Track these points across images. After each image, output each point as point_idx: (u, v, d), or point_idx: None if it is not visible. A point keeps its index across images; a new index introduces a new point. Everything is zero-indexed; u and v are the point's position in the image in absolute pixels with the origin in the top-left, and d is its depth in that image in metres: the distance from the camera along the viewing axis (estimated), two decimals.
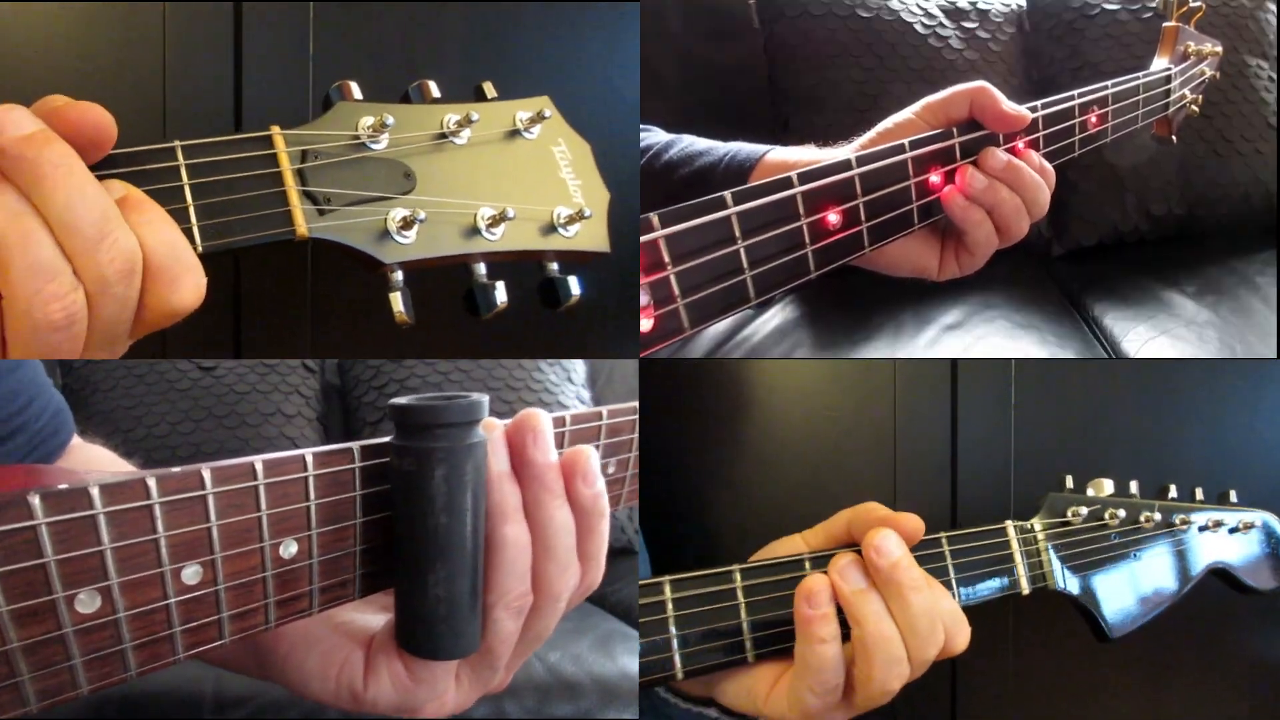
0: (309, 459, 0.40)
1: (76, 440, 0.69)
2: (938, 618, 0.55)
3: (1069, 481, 0.69)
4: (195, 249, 0.49)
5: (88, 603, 0.34)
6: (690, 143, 0.76)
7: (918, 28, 1.25)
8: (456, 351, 1.37)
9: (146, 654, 0.36)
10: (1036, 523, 0.66)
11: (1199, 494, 0.73)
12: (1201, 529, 0.71)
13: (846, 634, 0.55)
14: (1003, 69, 1.28)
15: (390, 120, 0.56)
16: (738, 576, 0.56)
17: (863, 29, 1.23)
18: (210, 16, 0.87)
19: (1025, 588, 0.64)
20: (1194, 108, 1.06)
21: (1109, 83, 0.84)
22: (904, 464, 0.96)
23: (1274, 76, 1.30)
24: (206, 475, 0.37)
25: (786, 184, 0.55)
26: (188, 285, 0.47)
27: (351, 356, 1.51)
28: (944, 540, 0.61)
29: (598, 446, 0.54)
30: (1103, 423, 0.98)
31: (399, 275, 0.56)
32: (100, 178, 0.46)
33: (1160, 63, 1.00)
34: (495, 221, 0.58)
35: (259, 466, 0.38)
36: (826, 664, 0.53)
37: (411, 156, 0.57)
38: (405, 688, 0.47)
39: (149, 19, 0.86)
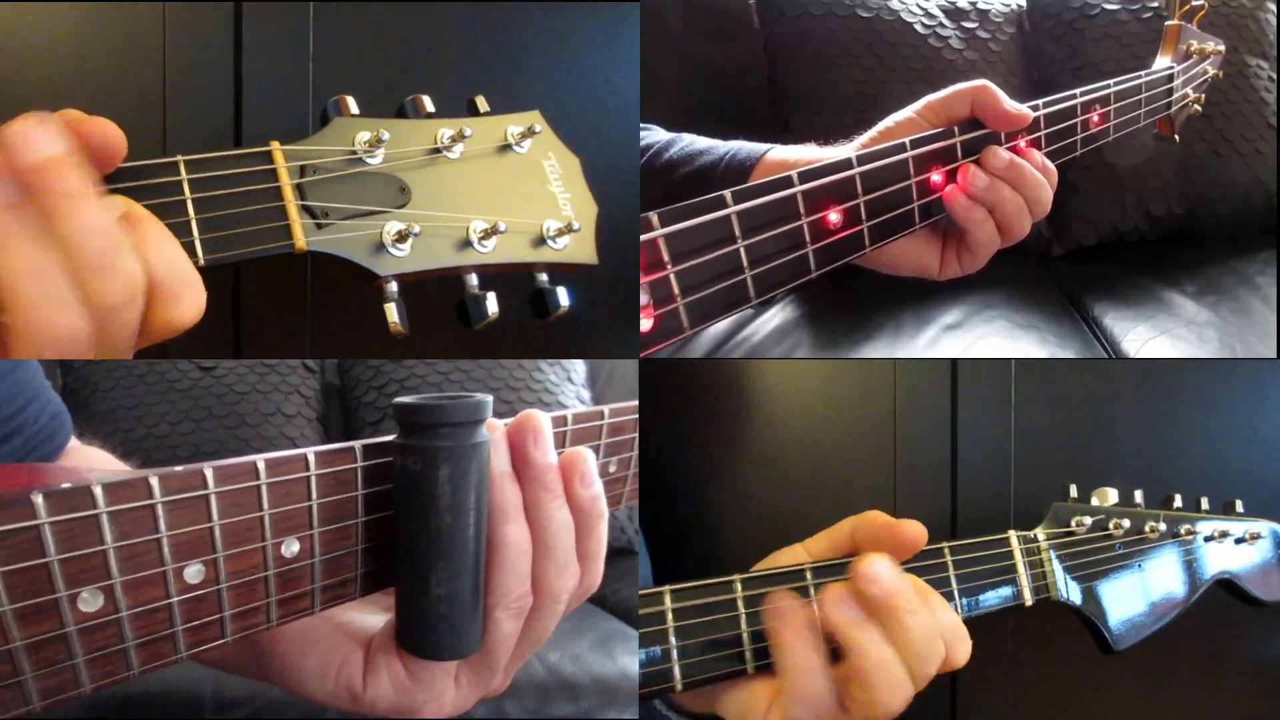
0: (311, 458, 0.40)
1: (74, 443, 0.69)
2: (937, 635, 0.53)
3: (1073, 490, 0.68)
4: (197, 262, 0.50)
5: (90, 601, 0.34)
6: (690, 142, 0.76)
7: (918, 28, 1.25)
8: (457, 352, 1.37)
9: (149, 653, 0.36)
10: (1040, 532, 0.65)
11: (1204, 503, 0.72)
12: (1207, 539, 0.70)
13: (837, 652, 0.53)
14: (1003, 69, 1.29)
15: (386, 135, 0.57)
16: (738, 586, 0.55)
17: (863, 29, 1.23)
18: (210, 16, 0.87)
19: (1029, 598, 0.63)
20: (1196, 107, 1.05)
21: (1111, 82, 0.83)
22: (904, 464, 0.96)
23: (1274, 76, 1.30)
24: (209, 474, 0.37)
25: (787, 183, 0.55)
26: (188, 301, 0.47)
27: (351, 357, 1.51)
28: (946, 550, 0.59)
29: (599, 446, 0.54)
30: (1102, 423, 0.98)
31: (394, 287, 0.57)
32: (103, 192, 0.46)
33: (1162, 61, 0.99)
34: (487, 234, 0.60)
35: (261, 465, 0.38)
36: (818, 691, 0.52)
37: (406, 171, 0.59)
38: (404, 688, 0.47)
39: (149, 19, 0.86)
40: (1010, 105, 0.67)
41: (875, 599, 0.52)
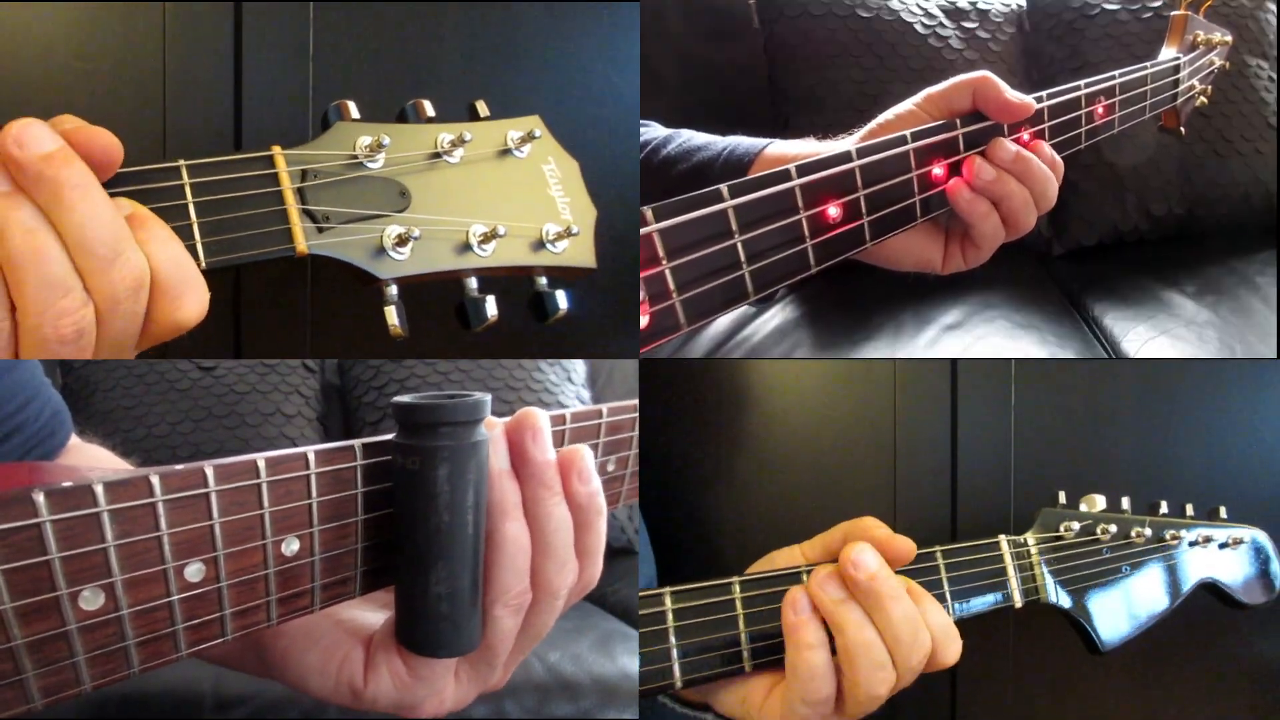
0: (311, 457, 0.40)
1: (75, 440, 0.69)
2: (921, 626, 0.55)
3: (1062, 497, 0.70)
4: (199, 265, 0.50)
5: (91, 600, 0.34)
6: (689, 137, 0.75)
7: (918, 28, 1.25)
8: (456, 351, 1.37)
9: (149, 651, 0.36)
10: (1029, 537, 0.67)
11: (1189, 510, 0.74)
12: (1192, 544, 0.72)
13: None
14: (1003, 69, 1.29)
15: (386, 140, 0.58)
16: (737, 588, 0.57)
17: (863, 29, 1.23)
18: (210, 17, 0.87)
19: (1018, 601, 0.65)
20: (1202, 98, 1.04)
21: (1116, 72, 0.82)
22: (904, 463, 0.96)
23: (1274, 76, 1.30)
24: (209, 473, 0.37)
25: (785, 176, 0.55)
26: (192, 300, 0.48)
27: (351, 356, 1.51)
28: (938, 554, 0.61)
29: (597, 445, 0.54)
30: (1102, 423, 0.98)
31: (394, 290, 0.57)
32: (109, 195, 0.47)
33: (1168, 53, 0.98)
34: (487, 238, 0.60)
35: (261, 464, 0.39)
36: (815, 671, 0.54)
37: (407, 175, 0.59)
38: (405, 685, 0.47)
39: (149, 19, 0.86)
40: (1013, 95, 0.66)
41: (859, 583, 0.54)
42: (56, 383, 1.40)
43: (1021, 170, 0.66)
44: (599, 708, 1.07)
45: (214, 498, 0.37)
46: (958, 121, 0.65)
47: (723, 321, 1.09)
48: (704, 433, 1.00)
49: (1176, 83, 0.96)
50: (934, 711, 0.97)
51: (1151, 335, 1.09)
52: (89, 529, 0.34)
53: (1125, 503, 0.72)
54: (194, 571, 0.37)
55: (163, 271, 0.47)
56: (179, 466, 0.36)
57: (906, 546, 0.57)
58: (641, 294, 0.48)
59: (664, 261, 0.49)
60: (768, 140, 0.70)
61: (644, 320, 0.49)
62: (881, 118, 0.66)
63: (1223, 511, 0.75)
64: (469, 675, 0.49)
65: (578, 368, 1.58)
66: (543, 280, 0.64)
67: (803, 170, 0.55)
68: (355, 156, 0.57)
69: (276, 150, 0.55)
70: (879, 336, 1.06)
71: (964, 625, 0.59)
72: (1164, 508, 0.73)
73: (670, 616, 0.55)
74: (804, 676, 0.54)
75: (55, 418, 0.66)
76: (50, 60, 0.85)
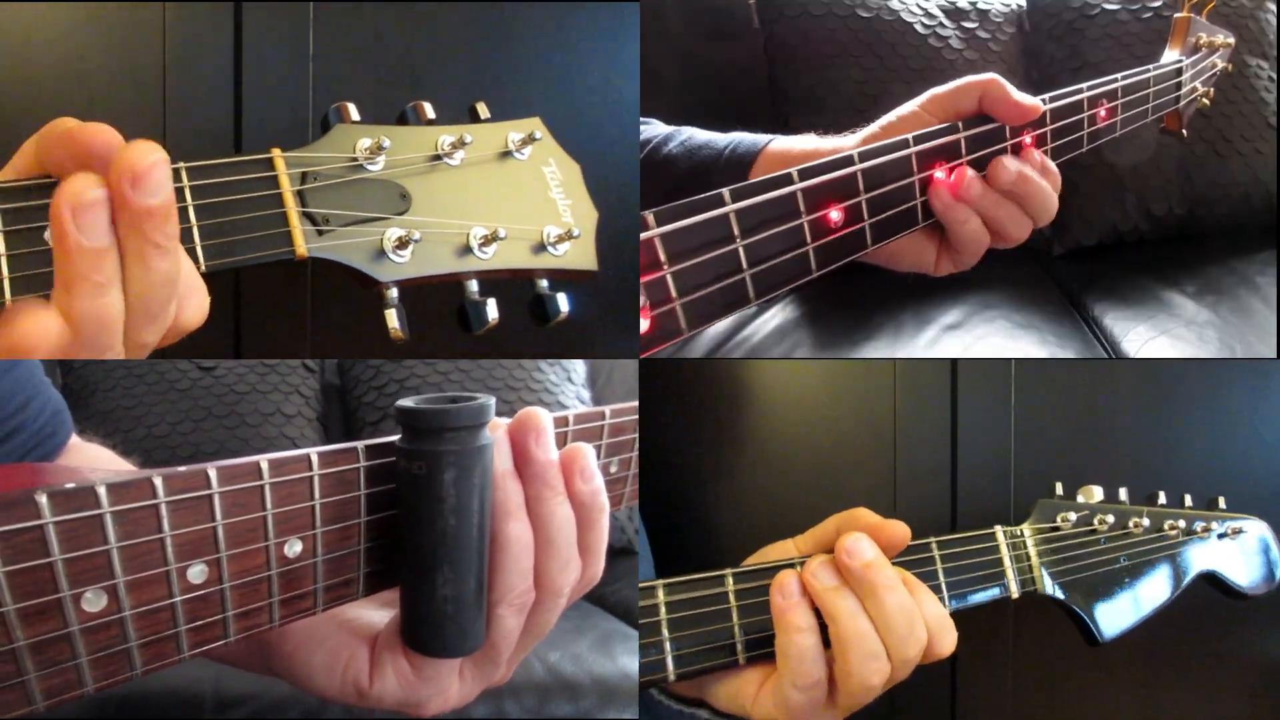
0: (314, 458, 0.40)
1: (75, 440, 0.69)
2: (915, 616, 0.55)
3: (1059, 488, 0.70)
4: (199, 268, 0.50)
5: (94, 601, 0.34)
6: (690, 135, 0.75)
7: (918, 28, 1.25)
8: (457, 351, 1.37)
9: (152, 652, 0.36)
10: (1026, 528, 0.67)
11: (1188, 500, 0.74)
12: (1191, 535, 0.72)
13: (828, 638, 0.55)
14: (1003, 69, 1.28)
15: (387, 142, 0.58)
16: (730, 580, 0.57)
17: (863, 29, 1.23)
18: (210, 17, 0.87)
19: (1015, 592, 0.64)
20: (1205, 100, 1.04)
21: (1119, 75, 0.82)
22: (904, 464, 0.96)
23: (1274, 76, 1.30)
24: (212, 474, 0.37)
25: (786, 180, 0.54)
26: (193, 304, 0.48)
27: (351, 356, 1.51)
28: (934, 545, 0.61)
29: (600, 446, 0.54)
30: (1103, 423, 0.98)
31: (394, 293, 0.57)
32: None
33: (1171, 55, 0.98)
34: (487, 241, 0.60)
35: (264, 466, 0.39)
36: (805, 654, 0.54)
37: (407, 177, 0.59)
38: (410, 684, 0.47)
39: (149, 19, 0.86)
40: (1021, 96, 0.65)
41: (854, 571, 0.54)
42: (56, 383, 1.40)
43: (1021, 192, 0.65)
44: (599, 708, 1.08)
45: (217, 499, 0.37)
46: (960, 125, 0.65)
47: (723, 322, 1.09)
48: (704, 433, 1.00)
49: (1179, 85, 0.96)
50: (934, 705, 0.97)
51: (1151, 335, 1.09)
52: (92, 530, 0.34)
53: (1123, 494, 0.71)
54: (197, 573, 0.37)
55: None
56: (182, 468, 0.36)
57: (900, 531, 0.57)
58: (642, 299, 0.48)
59: (665, 266, 0.49)
60: (770, 137, 0.70)
61: (645, 325, 0.49)
62: (885, 119, 0.66)
63: (1222, 502, 0.74)
64: (473, 673, 0.49)
65: (578, 368, 1.58)
66: (544, 283, 0.64)
67: (805, 174, 0.55)
68: (355, 159, 0.57)
69: (276, 152, 0.55)
70: (879, 336, 1.06)
71: (963, 618, 0.59)
72: (1162, 498, 0.72)
73: (664, 609, 0.55)
74: (793, 660, 0.54)
75: (56, 417, 0.66)
76: (50, 60, 0.85)
